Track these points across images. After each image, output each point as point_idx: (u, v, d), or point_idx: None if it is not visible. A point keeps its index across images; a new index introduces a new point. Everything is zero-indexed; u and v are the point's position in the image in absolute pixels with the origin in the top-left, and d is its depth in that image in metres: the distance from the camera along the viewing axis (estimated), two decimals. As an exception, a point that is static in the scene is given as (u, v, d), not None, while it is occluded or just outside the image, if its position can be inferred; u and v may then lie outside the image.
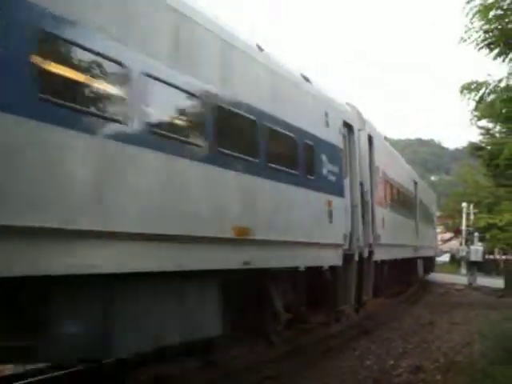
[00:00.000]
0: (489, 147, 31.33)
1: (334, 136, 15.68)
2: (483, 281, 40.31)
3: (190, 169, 9.45)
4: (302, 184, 13.44)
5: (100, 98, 7.81)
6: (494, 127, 30.47)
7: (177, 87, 9.17)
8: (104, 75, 7.78)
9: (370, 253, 18.63)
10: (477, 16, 18.14)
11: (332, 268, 15.40)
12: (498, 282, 38.06)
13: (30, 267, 6.48)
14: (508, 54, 18.75)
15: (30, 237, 6.47)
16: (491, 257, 63.70)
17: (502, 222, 48.54)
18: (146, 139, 8.32)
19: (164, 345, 9.35)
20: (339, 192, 15.85)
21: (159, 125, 8.79)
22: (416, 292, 32.33)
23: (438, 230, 64.49)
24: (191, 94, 9.59)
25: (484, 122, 29.21)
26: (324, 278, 15.22)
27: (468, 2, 18.03)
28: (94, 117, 7.48)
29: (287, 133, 12.85)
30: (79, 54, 7.35)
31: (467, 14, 18.18)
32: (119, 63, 7.81)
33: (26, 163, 6.43)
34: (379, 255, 19.98)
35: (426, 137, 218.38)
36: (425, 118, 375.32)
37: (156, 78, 8.58)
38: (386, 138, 28.74)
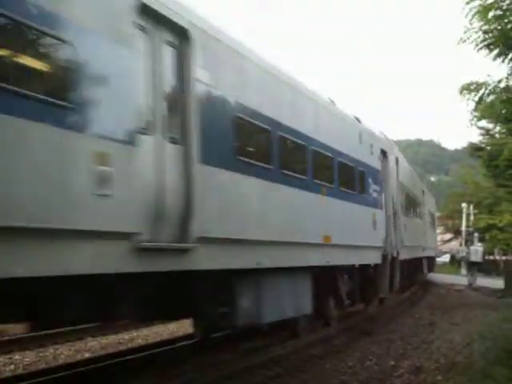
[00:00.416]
0: (488, 148, 31.33)
1: (375, 161, 20.41)
2: (483, 281, 40.35)
3: (303, 196, 13.98)
4: (358, 201, 18.22)
5: (260, 153, 12.45)
6: (494, 128, 30.51)
7: (298, 143, 14.00)
8: (262, 139, 12.61)
9: (397, 253, 22.76)
10: (476, 16, 18.15)
11: (375, 265, 20.24)
12: (498, 283, 38.06)
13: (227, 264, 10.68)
14: (507, 54, 18.75)
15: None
16: (491, 257, 63.71)
17: (502, 223, 48.44)
18: (283, 178, 12.87)
19: (285, 318, 13.88)
20: (379, 205, 20.66)
21: (290, 168, 13.32)
22: (416, 292, 32.37)
23: (438, 230, 64.53)
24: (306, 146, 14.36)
25: (484, 123, 29.24)
26: (369, 272, 20.14)
27: (467, 3, 18.04)
28: (258, 167, 11.85)
29: (349, 163, 17.50)
30: (253, 128, 11.97)
31: (467, 14, 18.20)
32: (268, 131, 12.46)
33: (231, 198, 10.83)
34: (403, 255, 24.31)
35: (425, 137, 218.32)
36: (425, 118, 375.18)
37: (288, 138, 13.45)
38: None
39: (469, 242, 58.60)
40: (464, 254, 49.68)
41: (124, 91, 8.31)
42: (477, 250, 42.85)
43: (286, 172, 12.96)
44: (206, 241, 9.82)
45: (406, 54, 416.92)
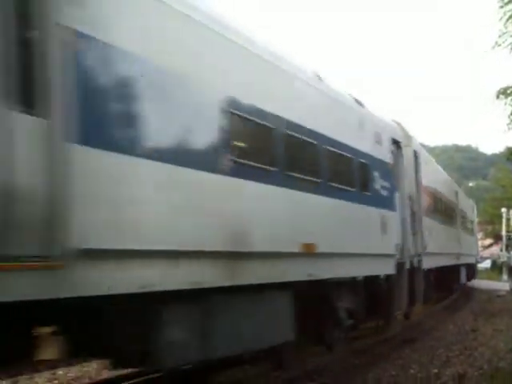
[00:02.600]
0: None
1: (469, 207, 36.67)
2: (525, 286, 39.85)
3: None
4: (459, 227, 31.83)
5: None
6: (532, 131, 30.15)
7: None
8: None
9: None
10: (511, 20, 18.07)
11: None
12: (541, 287, 37.62)
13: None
14: (544, 57, 18.63)
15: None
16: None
17: (542, 226, 47.94)
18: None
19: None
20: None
21: None
22: (458, 299, 32.09)
23: (478, 236, 63.90)
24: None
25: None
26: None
27: (502, 7, 17.99)
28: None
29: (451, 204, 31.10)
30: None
31: (501, 18, 18.14)
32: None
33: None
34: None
35: (462, 142, 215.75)
36: (461, 123, 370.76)
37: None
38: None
39: (509, 246, 57.82)
40: (505, 259, 49.15)
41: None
42: (517, 255, 42.43)
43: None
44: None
45: (441, 58, 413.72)
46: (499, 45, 18.60)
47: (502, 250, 60.41)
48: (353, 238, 14.01)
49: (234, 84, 9.76)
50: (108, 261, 6.91)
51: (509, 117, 22.13)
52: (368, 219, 15.14)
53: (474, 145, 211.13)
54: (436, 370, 13.13)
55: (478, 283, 44.26)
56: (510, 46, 18.56)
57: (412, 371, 13.18)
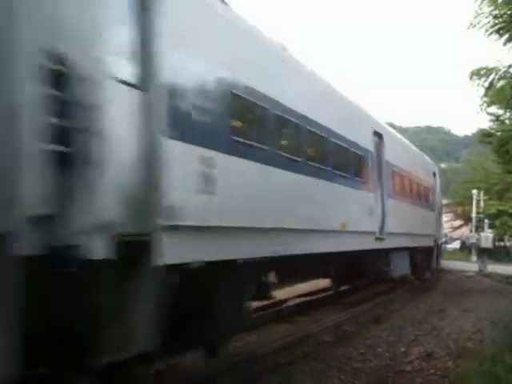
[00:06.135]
0: (498, 134, 31.13)
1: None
2: (494, 267, 40.22)
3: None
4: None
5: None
6: (504, 113, 30.29)
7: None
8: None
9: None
10: (486, 1, 18.10)
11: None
12: (508, 269, 37.99)
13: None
14: (518, 39, 18.68)
15: None
16: (501, 244, 63.47)
17: (513, 209, 48.26)
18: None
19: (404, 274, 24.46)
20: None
21: None
22: (427, 279, 32.29)
23: (447, 217, 64.28)
24: None
25: (494, 109, 29.07)
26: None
27: (477, -13, 17.99)
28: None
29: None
30: None
31: (476, -1, 18.15)
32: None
33: None
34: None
35: (435, 124, 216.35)
36: (434, 105, 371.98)
37: None
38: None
39: (479, 228, 58.29)
40: (474, 241, 49.54)
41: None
42: (487, 237, 42.79)
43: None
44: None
45: (416, 39, 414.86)
46: (474, 26, 18.62)
47: (471, 232, 60.87)
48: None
49: None
50: None
51: (481, 98, 22.18)
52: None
53: (446, 126, 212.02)
54: (403, 349, 13.23)
55: (447, 264, 44.56)
56: (484, 28, 18.57)
57: (380, 349, 13.26)
